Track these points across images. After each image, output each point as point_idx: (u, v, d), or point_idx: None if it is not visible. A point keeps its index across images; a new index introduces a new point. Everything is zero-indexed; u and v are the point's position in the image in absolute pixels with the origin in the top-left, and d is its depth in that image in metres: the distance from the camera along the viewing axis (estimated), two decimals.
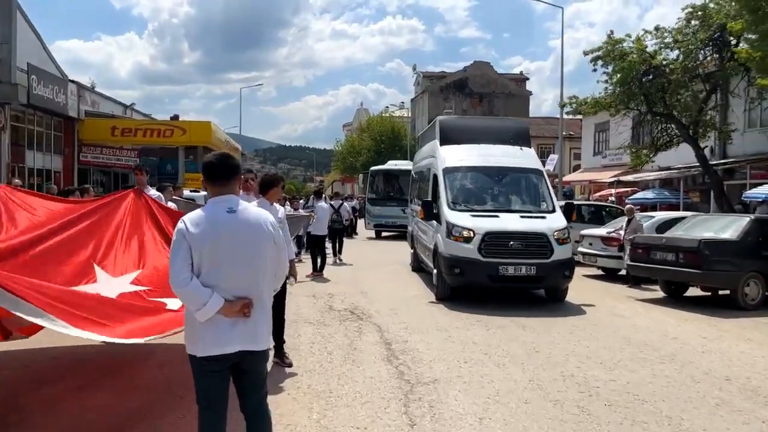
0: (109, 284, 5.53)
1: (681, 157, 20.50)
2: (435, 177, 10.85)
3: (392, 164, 27.12)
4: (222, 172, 3.13)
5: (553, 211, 10.26)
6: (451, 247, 9.42)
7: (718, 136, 20.14)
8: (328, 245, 15.37)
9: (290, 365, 5.93)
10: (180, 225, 3.02)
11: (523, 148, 11.32)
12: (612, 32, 18.13)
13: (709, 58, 17.97)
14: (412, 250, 13.45)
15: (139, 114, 30.12)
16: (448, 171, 10.55)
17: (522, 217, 9.81)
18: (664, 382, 5.64)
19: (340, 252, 16.06)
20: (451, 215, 9.75)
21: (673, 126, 18.51)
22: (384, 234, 24.14)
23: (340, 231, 16.37)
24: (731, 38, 17.20)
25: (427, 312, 8.86)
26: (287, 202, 19.68)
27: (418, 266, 12.84)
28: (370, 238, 23.96)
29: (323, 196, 16.58)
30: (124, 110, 28.80)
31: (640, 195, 22.64)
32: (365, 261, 15.54)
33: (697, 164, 19.06)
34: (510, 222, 9.58)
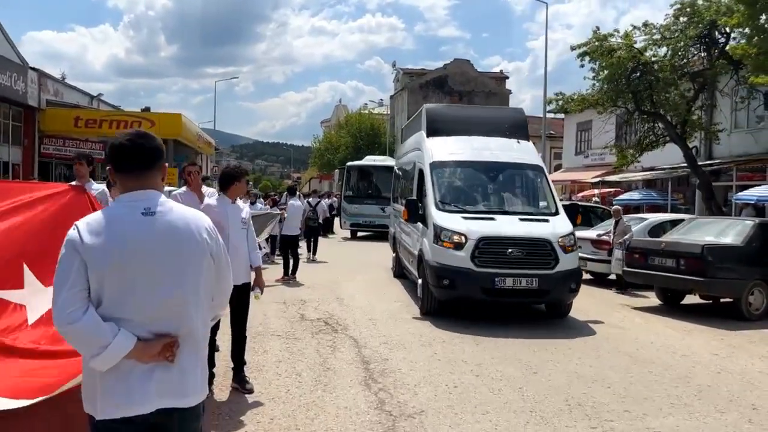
0: (35, 295, 4.54)
1: (666, 157, 20.00)
2: (421, 172, 9.56)
3: (370, 159, 25.92)
4: (137, 158, 2.18)
5: (557, 213, 8.96)
6: (439, 255, 8.12)
7: (705, 136, 19.68)
8: (303, 246, 14.52)
9: (251, 391, 5.05)
10: (71, 233, 2.09)
11: (520, 141, 10.12)
12: (598, 28, 17.52)
13: (696, 57, 17.48)
14: (394, 254, 12.37)
15: (106, 105, 28.76)
16: (435, 166, 9.27)
17: (521, 220, 8.57)
18: (685, 413, 4.88)
19: (314, 252, 15.24)
20: (439, 217, 8.46)
21: (660, 125, 17.98)
22: (360, 234, 22.82)
23: (316, 230, 15.53)
24: (720, 36, 16.73)
25: (410, 324, 8.00)
26: (265, 200, 18.73)
27: (400, 272, 11.64)
28: (346, 239, 22.67)
29: (297, 193, 15.65)
30: (90, 101, 27.43)
31: (626, 196, 22.10)
32: (342, 264, 14.63)
33: (684, 164, 18.57)
34: (508, 226, 8.30)
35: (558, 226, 8.50)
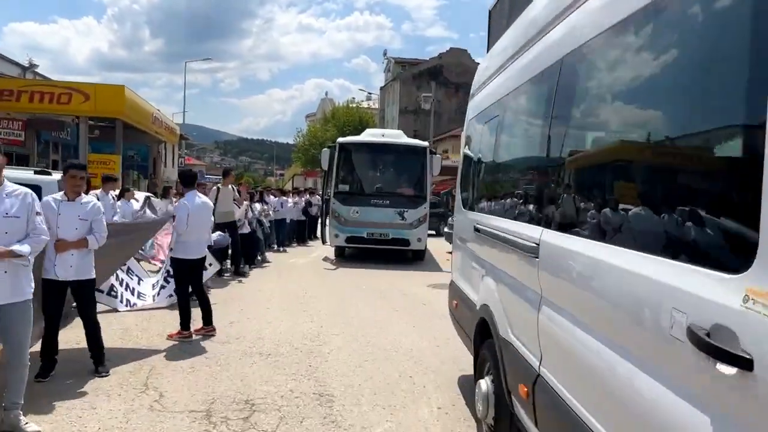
0: None
1: None
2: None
3: (375, 134, 16.17)
4: None
5: None
6: None
7: None
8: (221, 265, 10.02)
9: None
10: None
11: None
12: None
13: None
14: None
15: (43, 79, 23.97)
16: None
17: None
18: None
19: (243, 263, 11.57)
20: None
21: None
22: (348, 251, 14.97)
23: (252, 241, 12.11)
24: None
25: None
26: (257, 196, 14.35)
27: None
28: (327, 261, 14.20)
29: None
30: (22, 73, 22.71)
31: None
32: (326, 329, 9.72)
33: None
34: None
35: None
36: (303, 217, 19.01)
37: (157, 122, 23.59)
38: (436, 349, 6.40)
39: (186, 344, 6.22)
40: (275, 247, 16.67)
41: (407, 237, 13.89)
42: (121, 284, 7.75)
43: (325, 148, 14.71)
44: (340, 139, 15.29)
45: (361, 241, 14.06)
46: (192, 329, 6.51)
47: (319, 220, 16.43)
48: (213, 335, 6.57)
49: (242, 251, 11.56)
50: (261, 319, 7.55)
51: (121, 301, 7.70)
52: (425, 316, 8.10)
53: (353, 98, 60.75)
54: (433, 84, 45.80)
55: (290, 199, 17.94)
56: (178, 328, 6.45)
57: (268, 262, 13.61)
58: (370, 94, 61.18)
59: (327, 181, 15.18)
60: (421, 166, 14.39)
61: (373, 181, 14.87)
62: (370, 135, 16.05)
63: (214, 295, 8.98)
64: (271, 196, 16.99)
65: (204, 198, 6.87)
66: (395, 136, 15.89)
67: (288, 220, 17.78)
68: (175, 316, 6.70)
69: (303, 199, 19.39)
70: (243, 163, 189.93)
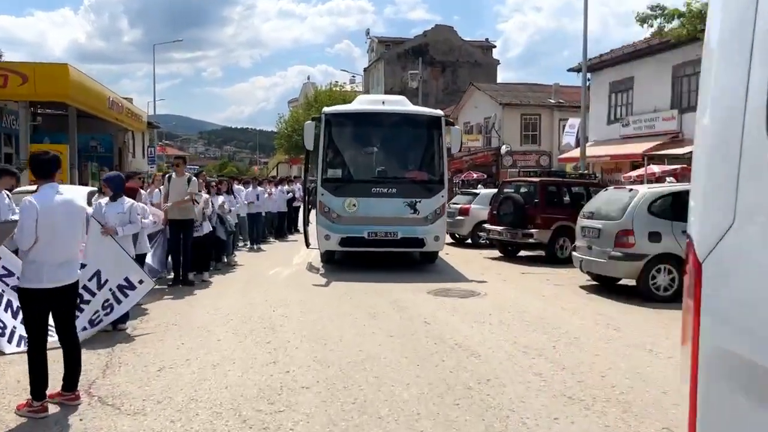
0: None
1: None
2: None
3: (373, 102, 12.61)
4: None
5: None
6: None
7: None
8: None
9: None
10: None
11: None
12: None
13: None
14: None
15: None
16: None
17: None
18: None
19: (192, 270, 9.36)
20: None
21: None
22: (338, 254, 11.69)
23: (203, 243, 9.65)
24: None
25: None
26: (220, 187, 11.94)
27: None
28: (311, 267, 11.26)
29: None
30: None
31: None
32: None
33: None
34: None
35: None
36: (285, 209, 16.92)
37: (115, 107, 21.12)
38: (456, 410, 4.29)
39: (43, 424, 4.05)
40: (249, 245, 14.51)
41: (421, 235, 10.69)
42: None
43: (308, 122, 11.23)
44: (327, 109, 11.56)
45: (360, 243, 10.69)
46: (48, 395, 4.25)
47: (300, 216, 13.68)
48: (78, 404, 4.32)
49: (197, 256, 9.39)
50: (204, 361, 5.39)
51: (9, 340, 5.53)
52: (433, 347, 5.99)
53: (336, 81, 58.24)
54: (420, 61, 43.52)
55: (268, 189, 15.67)
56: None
57: (233, 266, 11.45)
58: (354, 76, 58.74)
59: (310, 165, 12.11)
60: (436, 142, 11.28)
61: (373, 164, 11.49)
62: (367, 102, 12.53)
63: (149, 321, 6.80)
64: (242, 187, 14.78)
65: (70, 193, 4.42)
66: (398, 102, 12.05)
67: (264, 213, 15.63)
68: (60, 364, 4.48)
69: (281, 188, 17.13)
70: (228, 153, 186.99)
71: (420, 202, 10.66)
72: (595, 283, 9.68)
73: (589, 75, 22.67)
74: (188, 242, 9.03)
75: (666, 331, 6.68)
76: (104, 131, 24.67)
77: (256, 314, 7.29)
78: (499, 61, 58.00)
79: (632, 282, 8.76)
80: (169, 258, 9.33)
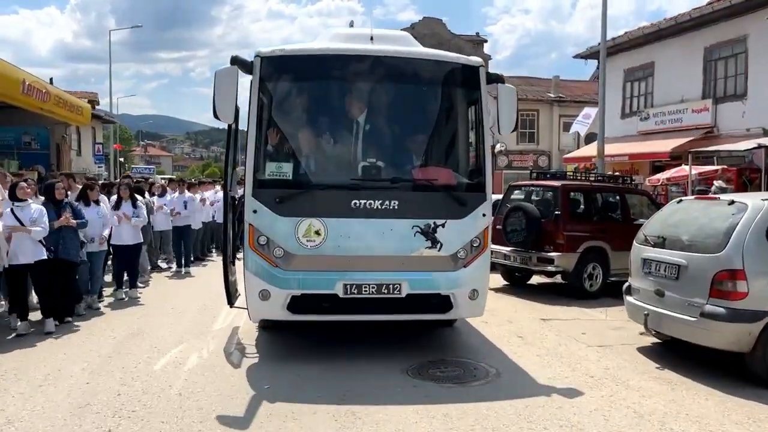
0: None
1: None
2: None
3: (351, 38, 6.10)
4: None
5: None
6: None
7: None
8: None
9: None
10: None
11: None
12: None
13: None
14: None
15: None
16: None
17: None
18: None
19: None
20: None
21: None
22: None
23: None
24: None
25: None
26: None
27: None
28: (233, 364, 5.62)
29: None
30: None
31: None
32: None
33: None
34: None
35: None
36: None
37: (36, 94, 17.41)
38: None
39: None
40: (174, 267, 11.09)
41: (447, 290, 5.64)
42: None
43: (222, 69, 5.39)
44: (266, 50, 5.63)
45: (330, 306, 5.57)
46: None
47: (225, 239, 6.41)
48: None
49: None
50: None
51: None
52: None
53: None
54: None
55: (199, 195, 12.06)
56: None
57: (98, 308, 7.90)
58: None
59: (231, 155, 6.57)
60: (470, 113, 6.13)
61: (354, 154, 5.91)
62: (342, 40, 6.12)
63: None
64: (162, 193, 11.29)
65: None
66: (398, 40, 6.24)
67: (202, 224, 12.22)
68: None
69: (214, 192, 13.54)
70: (215, 154, 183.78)
71: (443, 225, 5.63)
72: (658, 340, 6.29)
73: (597, 62, 19.33)
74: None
75: None
76: (38, 124, 21.16)
77: None
78: (490, 56, 54.83)
79: (736, 348, 5.32)
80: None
